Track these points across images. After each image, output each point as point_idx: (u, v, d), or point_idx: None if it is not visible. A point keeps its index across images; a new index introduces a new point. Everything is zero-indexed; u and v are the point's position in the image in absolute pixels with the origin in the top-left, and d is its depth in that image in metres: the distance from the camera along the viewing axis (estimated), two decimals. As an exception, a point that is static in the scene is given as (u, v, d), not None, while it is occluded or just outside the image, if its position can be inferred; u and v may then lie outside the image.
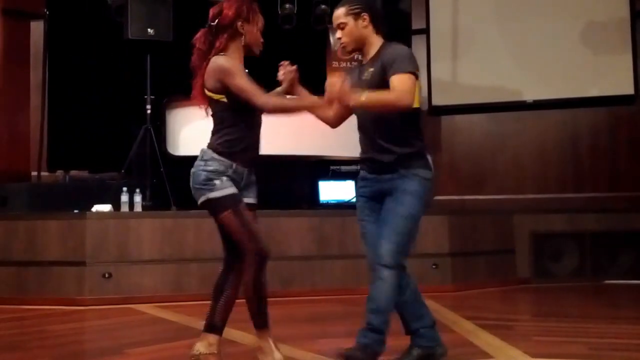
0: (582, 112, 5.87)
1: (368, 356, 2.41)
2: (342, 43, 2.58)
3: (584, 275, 5.16)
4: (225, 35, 2.47)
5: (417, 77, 2.47)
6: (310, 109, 2.63)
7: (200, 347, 2.51)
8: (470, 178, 6.10)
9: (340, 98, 2.42)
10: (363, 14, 2.52)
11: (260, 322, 2.57)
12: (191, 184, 2.49)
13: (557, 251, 5.21)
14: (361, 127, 2.58)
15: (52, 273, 4.28)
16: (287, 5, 5.71)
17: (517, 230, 5.16)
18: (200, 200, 2.48)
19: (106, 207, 4.47)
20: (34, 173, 5.51)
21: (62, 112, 5.68)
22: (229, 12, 2.48)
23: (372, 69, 2.52)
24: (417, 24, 5.98)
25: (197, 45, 2.52)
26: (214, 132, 2.52)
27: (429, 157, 2.56)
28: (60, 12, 5.63)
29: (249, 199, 2.56)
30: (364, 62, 2.59)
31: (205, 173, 2.45)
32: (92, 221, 4.30)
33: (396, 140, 2.49)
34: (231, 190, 2.45)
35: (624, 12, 5.65)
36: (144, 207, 4.71)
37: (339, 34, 2.57)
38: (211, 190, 2.43)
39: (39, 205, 4.65)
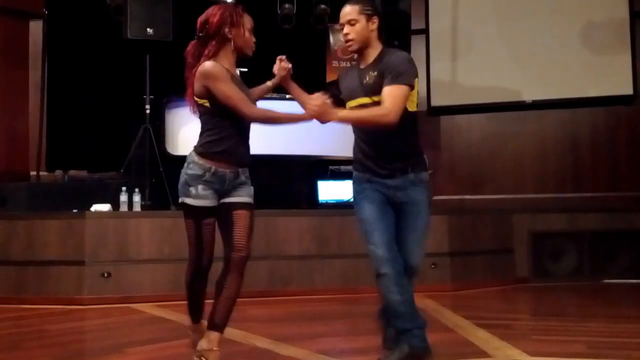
0: (581, 112, 5.88)
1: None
2: (349, 41, 2.54)
3: (582, 275, 5.17)
4: (214, 42, 2.52)
5: (412, 86, 2.48)
6: (294, 121, 2.61)
7: (202, 343, 2.53)
8: (469, 178, 6.10)
9: (321, 115, 2.43)
10: (374, 16, 2.53)
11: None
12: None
13: (556, 251, 5.21)
14: (367, 131, 2.56)
15: (51, 272, 4.28)
16: (287, 5, 5.71)
17: (516, 230, 5.17)
18: (179, 201, 2.60)
19: (105, 207, 4.47)
20: (33, 173, 5.51)
21: (61, 112, 5.68)
22: (214, 19, 2.53)
23: (374, 74, 2.51)
24: (416, 24, 5.99)
25: (189, 59, 2.58)
26: (199, 135, 2.59)
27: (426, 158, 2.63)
28: (60, 11, 5.63)
29: (240, 198, 2.57)
30: (363, 66, 2.57)
31: (185, 177, 2.56)
32: (91, 221, 4.30)
33: (404, 145, 2.54)
34: (200, 202, 2.52)
35: (623, 12, 5.65)
36: (143, 207, 4.70)
37: (347, 29, 2.52)
38: (186, 195, 2.55)
39: (38, 205, 4.65)
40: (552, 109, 5.87)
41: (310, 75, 5.74)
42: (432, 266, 4.68)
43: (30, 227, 4.34)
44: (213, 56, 2.52)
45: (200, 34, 2.55)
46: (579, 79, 5.73)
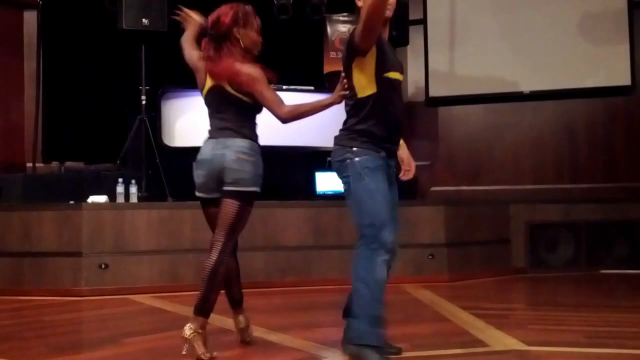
0: (579, 103, 5.88)
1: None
2: (392, 5, 2.81)
3: (579, 265, 5.19)
4: (228, 43, 2.62)
5: None
6: (326, 106, 2.71)
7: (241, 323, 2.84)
8: (466, 169, 6.11)
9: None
10: None
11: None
12: (243, 167, 2.66)
13: (553, 241, 5.23)
14: (392, 110, 2.64)
15: (48, 264, 4.27)
16: (284, -5, 5.67)
17: (513, 221, 5.18)
18: (252, 189, 2.70)
19: (102, 198, 4.46)
20: (29, 164, 5.50)
21: (56, 103, 5.66)
22: (226, 19, 2.61)
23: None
24: (414, 14, 5.97)
25: (208, 54, 2.65)
26: (247, 127, 2.68)
27: None
28: (54, 1, 5.59)
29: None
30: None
31: (260, 167, 2.74)
32: (88, 212, 4.29)
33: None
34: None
35: (621, 2, 5.64)
36: (139, 198, 4.70)
37: None
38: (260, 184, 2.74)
39: (34, 197, 4.64)
40: (549, 100, 5.87)
41: (308, 65, 5.76)
42: (430, 257, 4.70)
43: (26, 219, 4.33)
44: (231, 56, 2.60)
45: (211, 32, 2.62)
46: (577, 70, 5.73)
